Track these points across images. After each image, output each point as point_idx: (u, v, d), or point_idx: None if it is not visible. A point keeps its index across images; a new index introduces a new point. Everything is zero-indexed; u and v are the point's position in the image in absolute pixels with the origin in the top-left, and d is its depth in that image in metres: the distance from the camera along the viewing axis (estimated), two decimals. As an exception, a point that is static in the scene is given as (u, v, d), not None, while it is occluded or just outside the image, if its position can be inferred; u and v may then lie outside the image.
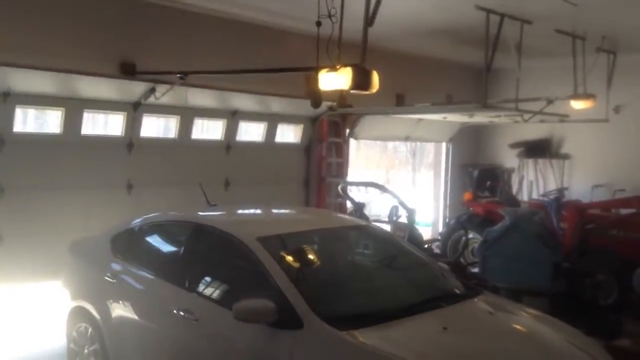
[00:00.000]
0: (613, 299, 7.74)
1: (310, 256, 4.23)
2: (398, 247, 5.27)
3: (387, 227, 8.04)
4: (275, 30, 8.56)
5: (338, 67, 5.07)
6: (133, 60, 7.32)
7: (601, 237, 8.44)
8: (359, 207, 8.28)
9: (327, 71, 5.14)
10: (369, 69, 5.19)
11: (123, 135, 7.66)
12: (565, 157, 11.66)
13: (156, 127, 8.34)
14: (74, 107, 7.12)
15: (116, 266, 5.22)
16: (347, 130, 10.25)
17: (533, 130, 11.74)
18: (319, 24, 4.94)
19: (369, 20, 5.34)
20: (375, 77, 5.25)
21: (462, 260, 8.50)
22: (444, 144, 12.58)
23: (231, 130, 8.73)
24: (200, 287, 4.54)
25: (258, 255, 4.19)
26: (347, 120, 10.16)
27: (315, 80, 5.16)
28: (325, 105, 9.02)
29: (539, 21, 7.94)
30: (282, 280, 3.97)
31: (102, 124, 7.98)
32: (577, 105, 9.14)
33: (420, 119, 10.86)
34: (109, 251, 5.39)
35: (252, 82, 7.63)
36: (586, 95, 9.08)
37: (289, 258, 4.16)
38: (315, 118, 9.62)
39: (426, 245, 8.11)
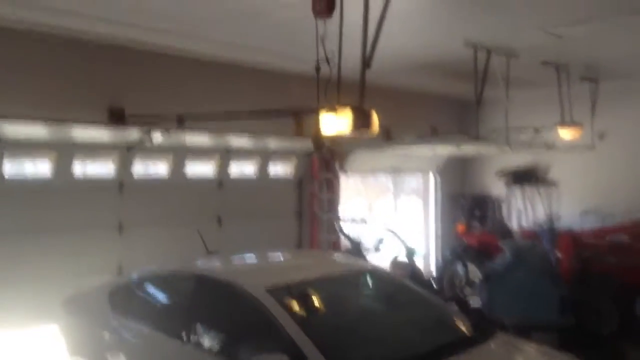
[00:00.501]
0: (614, 327, 7.68)
1: (322, 306, 4.13)
2: (406, 290, 5.16)
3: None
4: (272, 73, 8.54)
5: (337, 108, 5.03)
6: (122, 104, 7.22)
7: (599, 265, 8.43)
8: (357, 246, 8.18)
9: (326, 111, 5.10)
10: (369, 110, 5.18)
11: (115, 176, 7.56)
12: (553, 184, 11.70)
13: (148, 166, 8.18)
14: (65, 153, 7.05)
15: (115, 323, 5.04)
16: (338, 166, 10.20)
17: (519, 158, 11.78)
18: (318, 69, 4.92)
19: (367, 61, 5.35)
20: (375, 118, 5.23)
21: (460, 294, 8.41)
22: (431, 175, 12.58)
23: (223, 167, 8.65)
24: (207, 343, 4.37)
25: (268, 307, 4.07)
26: (338, 156, 10.12)
27: (316, 123, 5.12)
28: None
29: (525, 53, 8.05)
30: (295, 333, 3.84)
31: (93, 163, 7.77)
32: (565, 134, 9.24)
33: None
34: (107, 307, 5.20)
35: (247, 123, 7.54)
36: (573, 124, 9.20)
37: (301, 309, 4.04)
38: (308, 153, 9.58)
39: (428, 284, 8.01)
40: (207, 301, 4.66)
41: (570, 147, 10.06)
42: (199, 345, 4.36)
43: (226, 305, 4.55)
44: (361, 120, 5.11)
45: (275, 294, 4.17)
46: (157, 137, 7.23)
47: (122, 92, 7.24)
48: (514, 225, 11.59)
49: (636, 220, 9.09)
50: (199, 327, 4.46)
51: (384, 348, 4.05)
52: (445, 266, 10.23)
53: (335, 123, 5.06)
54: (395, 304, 4.94)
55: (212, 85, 8.00)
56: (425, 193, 12.77)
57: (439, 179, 12.57)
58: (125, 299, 5.20)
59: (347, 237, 8.57)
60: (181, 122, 6.67)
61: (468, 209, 11.21)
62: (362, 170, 11.02)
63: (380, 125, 10.48)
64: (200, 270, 4.93)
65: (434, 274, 10.70)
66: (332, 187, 9.99)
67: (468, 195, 11.86)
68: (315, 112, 5.13)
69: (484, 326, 4.56)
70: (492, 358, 4.16)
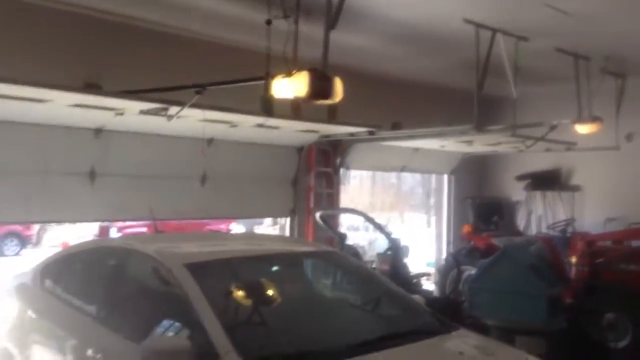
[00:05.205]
0: (627, 341, 6.86)
1: (251, 286, 3.58)
2: (365, 276, 4.55)
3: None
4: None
5: (293, 72, 4.52)
6: (99, 80, 6.85)
7: (613, 272, 7.61)
8: (341, 238, 7.62)
9: (282, 77, 4.59)
10: (330, 75, 4.63)
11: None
12: (576, 188, 10.91)
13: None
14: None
15: (41, 301, 4.58)
16: (338, 160, 9.61)
17: (540, 161, 11.07)
18: (269, 22, 4.44)
19: (331, 22, 4.82)
20: (339, 84, 4.68)
21: (460, 297, 7.71)
22: (445, 176, 11.86)
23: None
24: (119, 324, 3.82)
25: (182, 283, 3.52)
26: (338, 149, 9.54)
27: (267, 86, 4.62)
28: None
29: (536, 38, 7.35)
30: (205, 313, 3.28)
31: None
32: (583, 129, 8.46)
33: (417, 149, 10.22)
34: (37, 284, 4.76)
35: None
36: (592, 119, 8.39)
37: (223, 288, 3.51)
38: (302, 147, 8.96)
39: (414, 280, 7.38)
40: (126, 278, 4.16)
41: (593, 147, 9.29)
42: (112, 327, 3.83)
43: (145, 282, 4.05)
44: (321, 85, 4.57)
45: (194, 269, 3.60)
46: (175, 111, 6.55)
47: (99, 67, 6.85)
48: (532, 231, 10.84)
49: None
50: (115, 308, 3.96)
51: (311, 337, 3.45)
52: (447, 268, 9.53)
53: (289, 87, 4.55)
54: (347, 291, 4.33)
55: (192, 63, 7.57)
56: (438, 195, 12.08)
57: (453, 181, 11.85)
58: (54, 275, 4.75)
59: (332, 229, 7.96)
60: (202, 92, 5.91)
61: (478, 211, 10.47)
62: (366, 166, 10.43)
63: (389, 119, 10.01)
64: (124, 244, 4.41)
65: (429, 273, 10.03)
66: (330, 182, 9.42)
67: (478, 197, 11.12)
68: (267, 76, 4.65)
69: (445, 321, 3.91)
70: (436, 352, 3.52)
